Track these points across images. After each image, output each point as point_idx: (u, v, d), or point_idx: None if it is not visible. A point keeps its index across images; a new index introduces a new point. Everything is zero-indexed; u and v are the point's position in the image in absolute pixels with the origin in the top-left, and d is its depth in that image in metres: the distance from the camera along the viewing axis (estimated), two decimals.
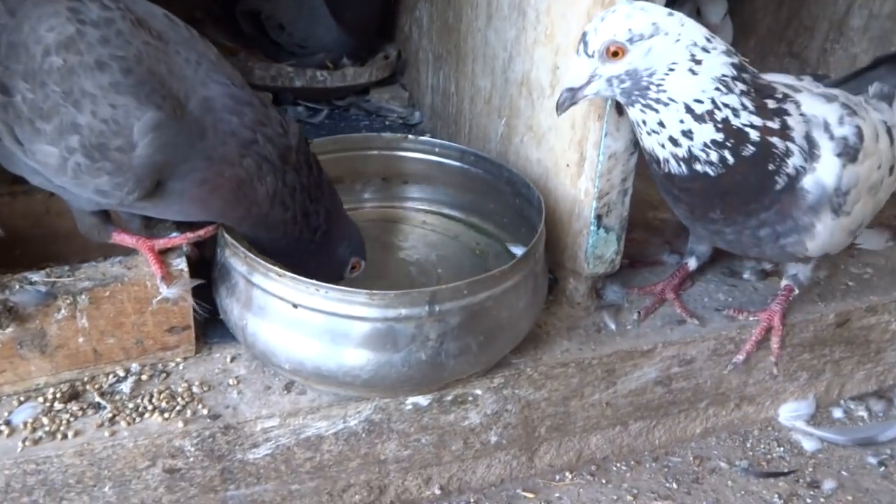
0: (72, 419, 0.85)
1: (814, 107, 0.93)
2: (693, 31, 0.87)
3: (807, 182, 0.91)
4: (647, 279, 1.20)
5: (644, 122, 0.90)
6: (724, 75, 0.87)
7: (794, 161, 0.90)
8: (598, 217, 1.03)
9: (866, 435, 1.22)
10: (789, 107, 0.91)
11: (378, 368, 0.84)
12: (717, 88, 0.87)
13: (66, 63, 0.74)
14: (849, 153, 0.93)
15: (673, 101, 0.87)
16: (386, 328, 0.82)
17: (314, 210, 0.88)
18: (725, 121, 0.87)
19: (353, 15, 1.69)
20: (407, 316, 0.82)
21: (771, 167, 0.90)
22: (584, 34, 0.87)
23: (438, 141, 1.20)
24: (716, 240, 1.03)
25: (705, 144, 0.88)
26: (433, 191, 1.22)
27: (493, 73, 1.30)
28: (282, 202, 0.84)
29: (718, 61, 0.87)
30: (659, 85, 0.87)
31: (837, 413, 1.26)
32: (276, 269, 0.84)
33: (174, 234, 0.92)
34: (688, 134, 0.88)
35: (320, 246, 0.91)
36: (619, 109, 0.97)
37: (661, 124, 0.89)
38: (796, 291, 1.11)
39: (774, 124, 0.89)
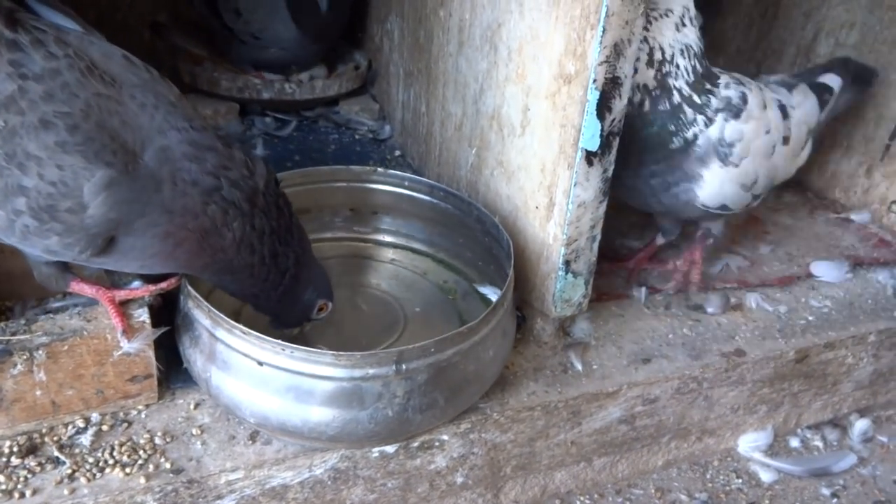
0: (29, 476, 0.83)
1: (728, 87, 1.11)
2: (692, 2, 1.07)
3: (699, 139, 1.08)
4: (613, 313, 1.22)
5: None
6: (689, 46, 1.06)
7: (695, 129, 1.07)
8: (567, 262, 1.03)
9: (821, 465, 1.25)
10: (718, 90, 1.09)
11: (344, 425, 0.83)
12: (681, 51, 1.05)
13: (6, 124, 0.70)
14: (731, 110, 1.08)
15: (647, 39, 1.04)
16: (352, 387, 0.82)
17: (283, 253, 0.87)
18: (666, 75, 1.05)
19: (311, 17, 1.66)
20: (374, 375, 0.82)
21: (672, 128, 1.06)
22: None
23: (408, 175, 1.19)
24: (622, 191, 1.14)
25: (638, 85, 1.04)
26: (402, 225, 1.21)
27: (464, 101, 1.29)
28: (249, 246, 0.82)
29: (694, 35, 1.07)
30: (653, 20, 1.05)
31: (794, 442, 1.30)
32: (241, 326, 0.82)
33: (136, 285, 0.90)
34: (635, 70, 1.02)
35: (288, 288, 0.89)
36: (589, 160, 0.97)
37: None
38: (710, 241, 1.25)
39: (698, 99, 1.06)
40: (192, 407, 0.94)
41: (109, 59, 0.78)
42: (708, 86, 1.08)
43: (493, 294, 1.12)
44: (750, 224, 1.56)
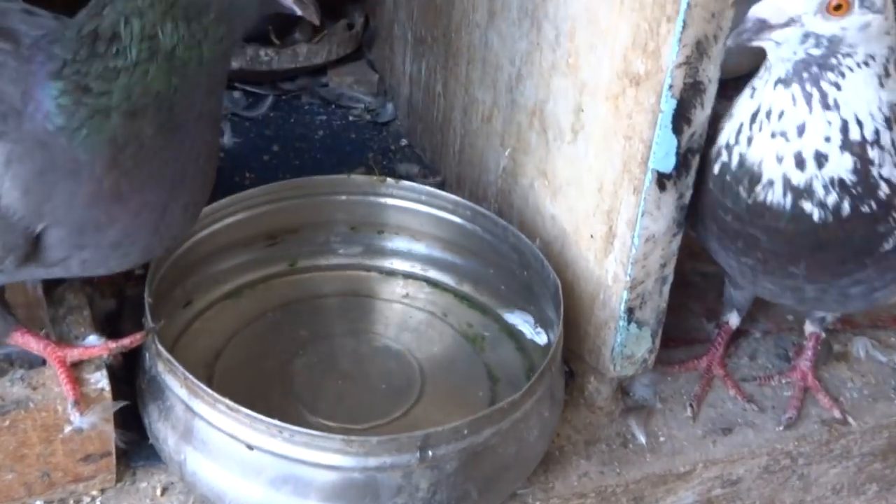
0: None
1: None
2: None
3: None
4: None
5: (781, 116, 0.93)
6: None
7: None
8: (630, 310, 1.08)
9: None
10: None
11: None
12: (887, 119, 0.93)
13: None
14: None
15: (839, 104, 0.92)
16: (365, 478, 0.87)
17: None
18: (868, 162, 0.93)
19: None
20: (392, 465, 0.87)
21: (882, 229, 0.96)
22: None
23: (426, 188, 1.23)
24: (785, 295, 1.10)
25: (831, 180, 0.93)
26: (417, 250, 1.26)
27: (494, 87, 1.33)
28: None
29: None
30: (842, 74, 0.91)
31: None
32: (227, 401, 0.87)
33: (91, 340, 0.95)
34: (822, 158, 0.93)
35: None
36: (662, 183, 1.01)
37: (803, 129, 0.93)
38: (823, 335, 1.22)
39: None
40: (158, 492, 0.99)
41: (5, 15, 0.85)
42: None
43: (532, 341, 1.17)
44: None
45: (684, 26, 0.92)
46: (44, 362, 0.95)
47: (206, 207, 1.01)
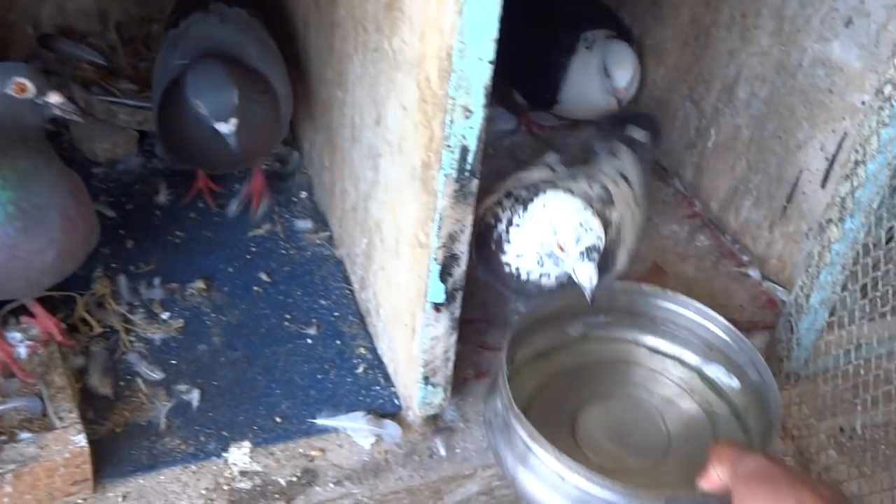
0: None
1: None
2: None
3: None
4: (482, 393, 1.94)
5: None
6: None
7: None
8: (426, 377, 1.74)
9: None
10: None
11: None
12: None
13: None
14: None
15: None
16: None
17: None
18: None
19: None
20: None
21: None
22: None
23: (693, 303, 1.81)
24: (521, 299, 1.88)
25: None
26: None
27: (357, 189, 1.94)
28: None
29: None
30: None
31: None
32: (554, 448, 1.47)
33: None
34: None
35: None
36: (437, 309, 1.65)
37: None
38: None
39: None
40: (120, 499, 1.68)
41: None
42: None
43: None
44: (653, 275, 2.25)
45: (439, 228, 1.53)
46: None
47: None
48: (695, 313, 1.79)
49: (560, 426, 1.69)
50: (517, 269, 1.74)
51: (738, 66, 2.22)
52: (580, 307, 1.71)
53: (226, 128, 1.74)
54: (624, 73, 2.26)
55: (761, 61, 2.14)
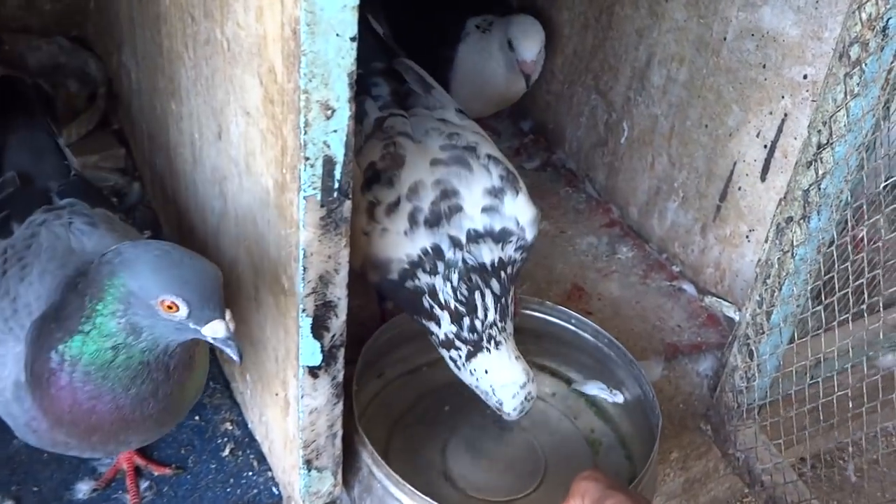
0: None
1: None
2: None
3: None
4: None
5: None
6: None
7: None
8: (308, 461, 1.37)
9: None
10: None
11: None
12: None
13: None
14: None
15: None
16: None
17: None
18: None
19: None
20: None
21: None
22: None
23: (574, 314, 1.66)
24: None
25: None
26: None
27: (205, 223, 1.56)
28: None
29: None
30: None
31: None
32: (398, 477, 1.33)
33: None
34: None
35: None
36: (314, 374, 1.28)
37: None
38: None
39: None
40: None
41: None
42: None
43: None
44: (573, 296, 1.94)
45: (304, 269, 1.17)
46: None
47: None
48: (576, 326, 1.67)
49: (428, 460, 1.57)
50: None
51: (650, 46, 1.94)
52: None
53: None
54: (531, 44, 1.98)
55: (677, 38, 1.87)
